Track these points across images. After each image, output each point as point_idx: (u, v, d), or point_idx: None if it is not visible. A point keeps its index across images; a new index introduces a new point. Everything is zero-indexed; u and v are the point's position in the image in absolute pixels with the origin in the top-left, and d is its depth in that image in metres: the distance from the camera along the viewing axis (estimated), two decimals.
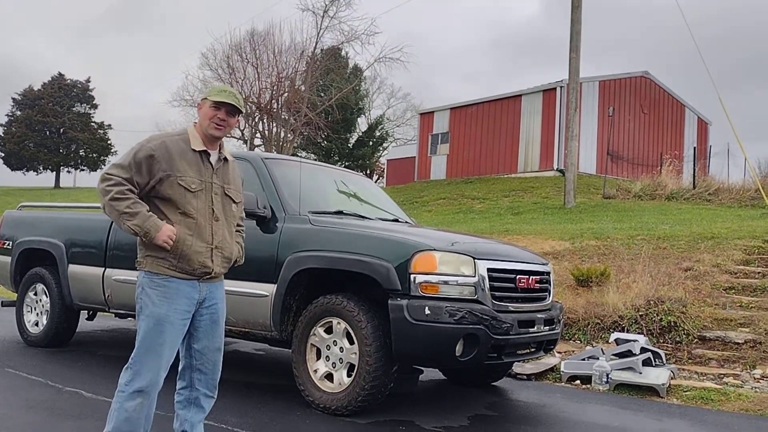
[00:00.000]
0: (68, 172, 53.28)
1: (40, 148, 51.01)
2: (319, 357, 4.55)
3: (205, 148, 3.11)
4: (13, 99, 52.18)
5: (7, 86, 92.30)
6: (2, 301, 7.29)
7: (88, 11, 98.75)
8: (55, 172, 52.86)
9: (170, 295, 2.99)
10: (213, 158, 3.15)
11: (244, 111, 3.25)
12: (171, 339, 2.98)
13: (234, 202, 3.23)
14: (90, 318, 7.04)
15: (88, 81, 54.15)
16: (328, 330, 4.50)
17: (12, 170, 52.33)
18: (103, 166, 50.51)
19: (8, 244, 6.94)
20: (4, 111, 56.48)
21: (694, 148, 21.60)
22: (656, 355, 6.16)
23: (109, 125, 53.60)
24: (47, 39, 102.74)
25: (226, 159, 3.22)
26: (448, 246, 4.41)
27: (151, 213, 2.94)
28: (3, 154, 51.41)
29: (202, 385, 3.20)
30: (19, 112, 51.80)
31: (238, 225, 3.33)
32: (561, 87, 23.09)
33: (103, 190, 2.94)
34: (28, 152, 50.73)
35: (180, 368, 3.18)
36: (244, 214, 3.43)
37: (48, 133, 51.80)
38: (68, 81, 53.34)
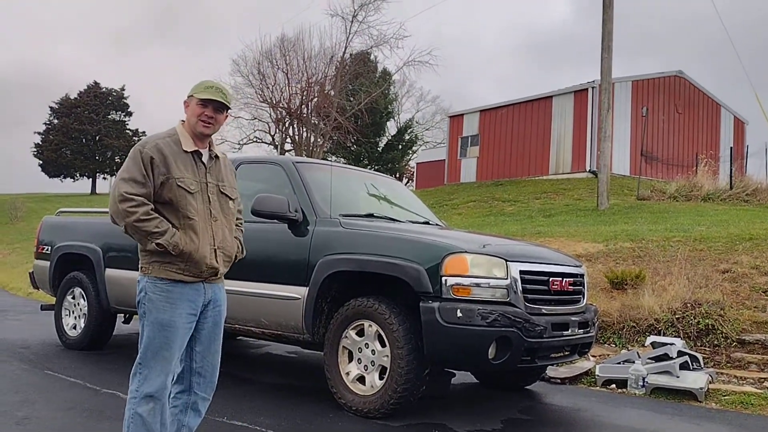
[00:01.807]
0: (104, 178, 54.32)
1: (77, 156, 52.12)
2: (351, 359, 4.56)
3: (196, 148, 3.04)
4: (51, 108, 53.46)
5: (45, 95, 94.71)
6: (42, 305, 7.47)
7: (123, 21, 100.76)
8: (91, 179, 53.95)
9: (174, 300, 2.95)
10: (204, 157, 3.08)
11: (231, 106, 3.13)
12: (177, 343, 2.95)
13: (230, 199, 3.16)
14: (126, 321, 7.17)
15: (122, 89, 55.23)
16: (360, 333, 4.51)
17: (50, 177, 53.58)
18: None
19: (47, 249, 7.11)
20: (42, 119, 57.75)
21: (731, 147, 21.13)
22: (694, 358, 6.03)
23: (144, 132, 54.53)
24: (84, 48, 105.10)
25: (217, 156, 3.15)
26: (479, 248, 4.38)
27: (174, 229, 2.91)
28: (41, 162, 52.67)
29: (200, 389, 3.14)
30: (56, 121, 53.04)
31: (237, 219, 3.26)
32: (593, 87, 22.80)
33: (126, 212, 2.85)
34: (65, 160, 51.89)
35: (178, 371, 3.09)
36: (242, 207, 3.37)
37: (84, 140, 52.91)
38: (104, 89, 54.44)
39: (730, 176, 18.44)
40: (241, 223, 3.34)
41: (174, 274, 2.94)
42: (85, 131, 52.11)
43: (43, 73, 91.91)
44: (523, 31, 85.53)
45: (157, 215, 2.90)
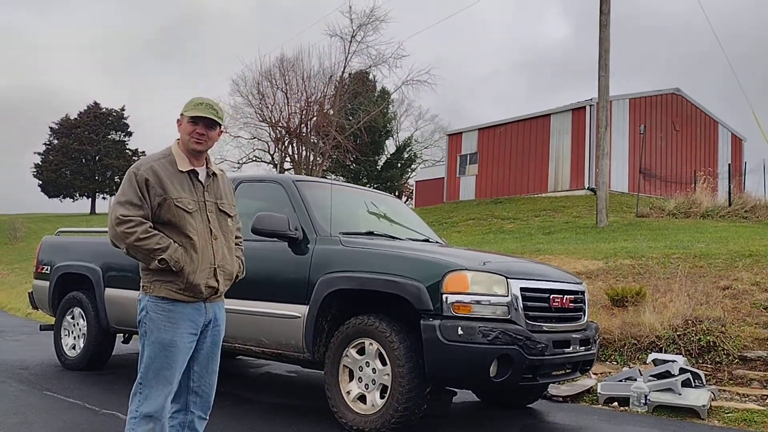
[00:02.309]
0: (103, 198, 54.40)
1: (77, 176, 52.23)
2: (351, 378, 4.54)
3: (192, 168, 3.03)
4: (51, 128, 53.67)
5: (46, 116, 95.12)
6: (41, 325, 7.44)
7: (125, 43, 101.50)
8: (90, 199, 54.02)
9: (176, 320, 2.93)
10: (201, 175, 3.07)
11: (223, 122, 3.10)
12: (178, 363, 2.94)
13: (229, 216, 3.15)
14: (125, 341, 7.13)
15: (122, 109, 55.52)
16: (361, 351, 4.49)
17: (49, 197, 53.68)
18: None
19: (46, 269, 7.10)
20: (42, 140, 57.97)
21: (729, 164, 21.21)
22: (696, 375, 6.01)
23: (143, 152, 54.69)
24: (85, 70, 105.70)
25: (214, 174, 3.14)
26: (480, 265, 4.38)
27: (176, 245, 2.91)
28: (41, 182, 52.74)
29: (197, 408, 3.12)
30: (56, 141, 53.24)
31: (237, 238, 3.25)
32: (590, 105, 22.94)
33: (124, 234, 2.86)
34: (65, 180, 52.00)
35: (174, 391, 3.06)
36: (240, 225, 3.35)
37: (84, 160, 53.06)
38: (103, 109, 54.72)
39: (729, 193, 18.48)
40: (241, 242, 3.32)
41: (174, 293, 2.93)
42: (84, 151, 52.28)
43: (45, 95, 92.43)
44: (521, 51, 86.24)
45: (156, 232, 2.90)
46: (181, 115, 3.04)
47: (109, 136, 54.27)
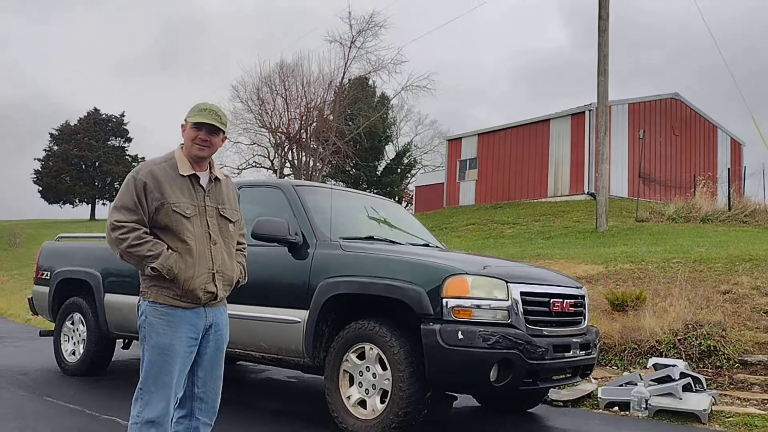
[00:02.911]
0: (103, 204, 54.36)
1: (77, 182, 52.24)
2: (352, 383, 4.53)
3: (193, 172, 3.01)
4: (51, 134, 53.71)
5: (46, 122, 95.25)
6: (41, 331, 7.43)
7: (125, 50, 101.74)
8: (90, 205, 54.01)
9: (175, 324, 2.92)
10: (203, 180, 3.05)
11: (226, 128, 3.08)
12: (178, 368, 2.92)
13: (230, 221, 3.12)
14: (125, 347, 7.12)
15: (122, 115, 55.57)
16: (361, 356, 4.49)
17: (49, 203, 53.67)
18: None
19: (46, 275, 7.10)
20: (41, 146, 58.03)
21: (728, 169, 21.25)
22: (696, 380, 6.00)
23: (143, 158, 54.71)
24: (85, 77, 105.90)
25: (218, 179, 3.12)
26: (480, 270, 4.38)
27: (170, 251, 2.89)
28: (41, 188, 52.75)
29: (202, 414, 3.11)
30: (56, 147, 53.26)
31: (239, 243, 3.24)
32: (590, 110, 22.98)
33: (117, 240, 2.86)
34: (65, 186, 52.00)
35: (179, 396, 3.05)
36: (244, 231, 3.35)
37: (84, 166, 53.07)
38: (103, 115, 54.77)
39: (729, 197, 18.49)
40: (244, 248, 3.31)
41: (171, 299, 2.93)
42: (84, 157, 52.31)
43: (45, 102, 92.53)
44: (520, 56, 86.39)
45: (150, 239, 2.89)
46: (185, 120, 3.03)
47: (109, 142, 54.30)
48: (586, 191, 22.92)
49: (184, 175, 3.00)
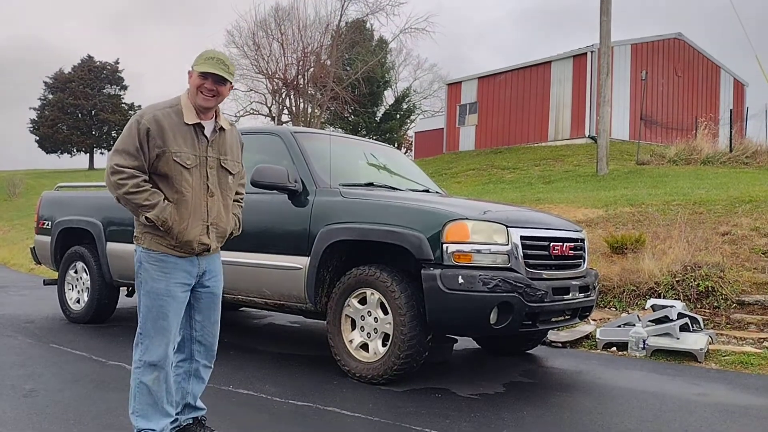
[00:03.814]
0: (101, 153, 54.20)
1: (73, 131, 51.91)
2: (354, 327, 4.59)
3: (198, 121, 2.97)
4: (45, 83, 53.04)
5: (41, 71, 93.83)
6: (44, 280, 7.49)
7: None
8: (88, 154, 53.82)
9: (168, 270, 2.95)
10: (208, 129, 3.01)
11: (233, 78, 3.02)
12: (174, 312, 2.97)
13: (230, 173, 3.10)
14: (129, 294, 7.19)
15: (117, 62, 54.78)
16: (362, 301, 4.54)
17: (47, 153, 53.51)
18: None
19: (47, 224, 7.11)
20: (36, 95, 57.34)
21: (731, 110, 21.02)
22: (694, 320, 6.08)
23: (139, 106, 54.21)
24: (80, 24, 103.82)
25: (222, 128, 3.08)
26: (480, 215, 4.38)
27: (167, 202, 2.89)
28: (38, 138, 52.43)
29: (201, 357, 3.19)
30: (50, 96, 52.69)
31: (237, 194, 3.24)
32: (592, 52, 22.60)
33: (116, 184, 2.84)
34: (62, 135, 51.69)
35: (178, 340, 3.13)
36: (244, 181, 3.34)
37: (80, 115, 52.64)
38: (97, 63, 54.00)
39: (730, 139, 18.38)
40: (242, 198, 3.32)
41: (164, 248, 2.95)
42: (80, 106, 51.81)
43: (39, 50, 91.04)
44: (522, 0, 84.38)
45: (148, 187, 2.88)
46: (192, 68, 2.96)
47: (104, 90, 53.73)
48: (587, 134, 22.76)
49: (189, 123, 2.95)
